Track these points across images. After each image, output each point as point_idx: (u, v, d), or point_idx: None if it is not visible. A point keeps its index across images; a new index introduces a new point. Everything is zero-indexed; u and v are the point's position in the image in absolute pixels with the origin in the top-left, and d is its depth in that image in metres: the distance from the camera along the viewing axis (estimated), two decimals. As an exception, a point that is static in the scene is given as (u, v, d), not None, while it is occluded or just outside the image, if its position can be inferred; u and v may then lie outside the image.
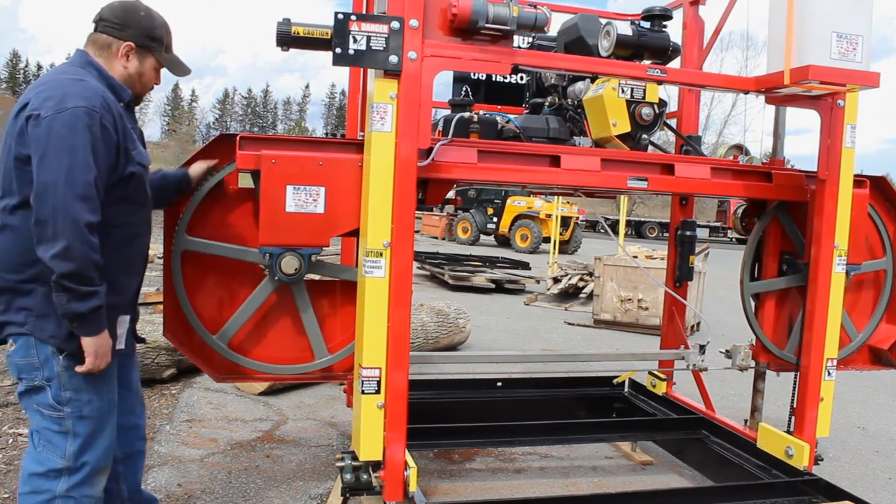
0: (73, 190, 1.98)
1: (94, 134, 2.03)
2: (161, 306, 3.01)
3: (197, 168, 2.76)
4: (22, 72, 76.98)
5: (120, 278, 2.24)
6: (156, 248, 12.05)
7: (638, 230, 34.75)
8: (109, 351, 2.16)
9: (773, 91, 2.96)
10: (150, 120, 73.37)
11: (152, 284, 8.64)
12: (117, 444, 2.40)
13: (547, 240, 19.20)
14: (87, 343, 2.09)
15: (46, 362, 2.13)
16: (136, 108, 2.50)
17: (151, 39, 2.31)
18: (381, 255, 2.49)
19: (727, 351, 3.79)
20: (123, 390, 2.43)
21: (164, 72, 2.45)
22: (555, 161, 2.93)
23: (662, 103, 3.16)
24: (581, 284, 10.88)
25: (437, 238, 24.97)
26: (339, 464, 2.73)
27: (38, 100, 2.05)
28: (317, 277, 2.96)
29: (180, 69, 2.46)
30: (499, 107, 4.06)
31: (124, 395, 2.44)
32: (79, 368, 2.12)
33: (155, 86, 2.44)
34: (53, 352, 2.13)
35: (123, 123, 2.18)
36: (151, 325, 4.96)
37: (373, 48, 2.41)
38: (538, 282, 11.66)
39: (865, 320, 3.70)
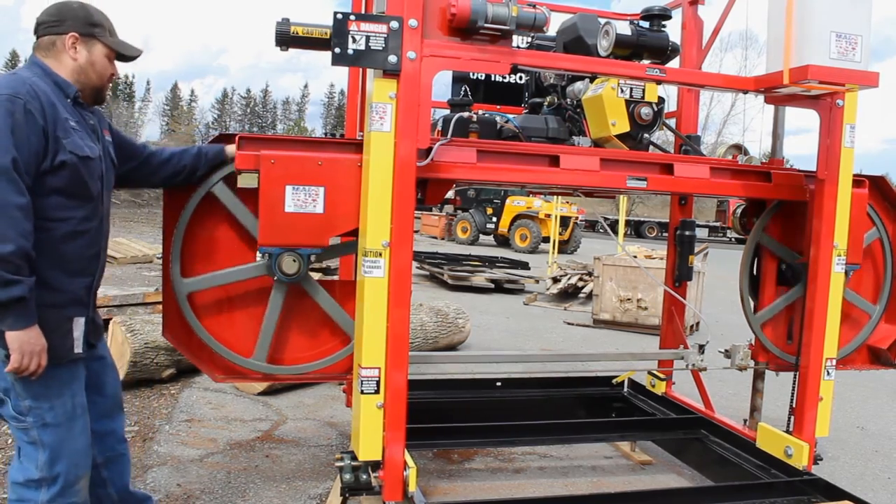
0: None
1: (15, 119, 2.01)
2: (161, 306, 3.01)
3: (233, 148, 2.70)
4: (21, 71, 76.75)
5: (56, 275, 2.14)
6: (155, 248, 12.11)
7: (637, 230, 34.77)
8: (41, 351, 2.05)
9: (773, 91, 2.96)
10: (150, 120, 73.24)
11: (152, 284, 8.65)
12: (97, 449, 2.36)
13: (546, 239, 19.22)
14: (11, 338, 1.99)
15: (0, 373, 2.07)
16: (137, 107, 2.47)
17: (93, 25, 2.28)
18: (381, 254, 2.49)
19: (726, 351, 3.78)
20: (95, 395, 2.37)
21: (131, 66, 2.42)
22: (554, 161, 2.93)
23: (661, 101, 3.17)
24: (580, 284, 10.88)
25: (436, 238, 24.98)
26: (339, 464, 2.72)
27: None
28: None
29: (130, 49, 2.39)
30: (498, 106, 4.06)
31: (96, 400, 2.38)
32: (7, 368, 2.02)
33: (113, 77, 2.38)
34: (3, 359, 2.04)
35: (55, 112, 2.12)
36: (151, 325, 4.96)
37: (372, 48, 2.41)
38: (537, 281, 11.67)
39: (876, 295, 3.67)
